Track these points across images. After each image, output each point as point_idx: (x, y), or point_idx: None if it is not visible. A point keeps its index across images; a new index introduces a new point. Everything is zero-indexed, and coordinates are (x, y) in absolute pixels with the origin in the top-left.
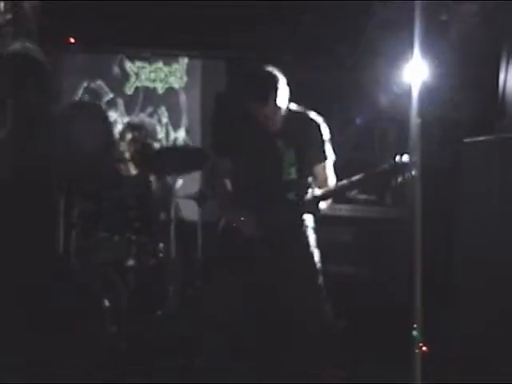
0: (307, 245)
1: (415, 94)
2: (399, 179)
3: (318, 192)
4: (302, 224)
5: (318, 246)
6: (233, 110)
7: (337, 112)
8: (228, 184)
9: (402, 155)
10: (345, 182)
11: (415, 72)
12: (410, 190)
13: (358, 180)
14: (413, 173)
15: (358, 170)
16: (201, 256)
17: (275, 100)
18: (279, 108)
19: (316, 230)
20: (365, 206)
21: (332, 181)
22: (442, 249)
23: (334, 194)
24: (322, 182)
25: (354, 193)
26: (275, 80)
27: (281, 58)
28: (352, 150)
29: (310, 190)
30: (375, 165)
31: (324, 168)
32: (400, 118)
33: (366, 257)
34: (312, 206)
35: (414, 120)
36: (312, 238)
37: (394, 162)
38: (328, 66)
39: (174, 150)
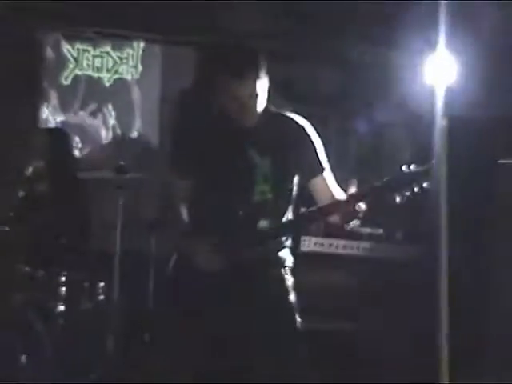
0: (284, 290)
1: (440, 93)
2: (406, 194)
3: (295, 216)
4: (276, 262)
5: (305, 293)
6: (199, 110)
7: (334, 116)
8: (186, 206)
9: (409, 165)
10: (334, 200)
11: (439, 68)
12: (428, 221)
13: (352, 196)
14: (424, 185)
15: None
16: (152, 299)
17: (254, 81)
18: (257, 95)
19: (300, 271)
20: (369, 241)
21: (340, 195)
22: (472, 296)
23: (314, 218)
24: (327, 200)
25: (354, 225)
26: (257, 57)
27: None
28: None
29: (286, 215)
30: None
31: (324, 181)
32: (416, 124)
33: (369, 308)
34: (288, 235)
35: (439, 122)
36: (290, 281)
37: (400, 172)
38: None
39: None
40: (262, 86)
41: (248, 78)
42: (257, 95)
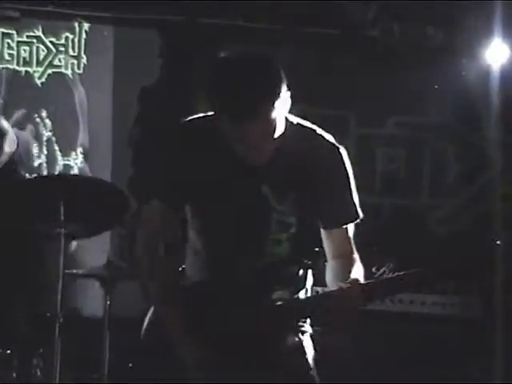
0: (301, 366)
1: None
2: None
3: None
4: (296, 339)
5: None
6: (175, 122)
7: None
8: (164, 254)
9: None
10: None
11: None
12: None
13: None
14: None
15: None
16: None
17: (264, 120)
18: (269, 132)
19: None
20: (409, 293)
21: (356, 256)
22: None
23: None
24: (346, 260)
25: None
26: (276, 75)
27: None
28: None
29: (309, 278)
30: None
31: (347, 234)
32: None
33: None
34: (316, 311)
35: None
36: (310, 352)
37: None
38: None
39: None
40: (279, 111)
41: (253, 123)
42: (269, 132)
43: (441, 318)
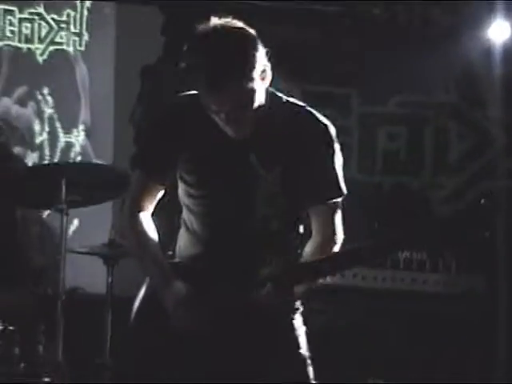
0: (293, 343)
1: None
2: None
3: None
4: (281, 306)
5: (325, 342)
6: (171, 96)
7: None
8: (157, 230)
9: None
10: (371, 242)
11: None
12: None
13: (397, 240)
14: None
15: (393, 212)
16: (110, 356)
17: (241, 86)
18: (252, 96)
19: (313, 316)
20: (411, 271)
21: (340, 235)
22: None
23: (345, 265)
24: (327, 238)
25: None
26: (251, 44)
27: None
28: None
29: (298, 252)
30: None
31: (333, 212)
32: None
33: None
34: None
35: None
36: (302, 330)
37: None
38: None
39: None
40: (257, 80)
41: (230, 88)
42: (244, 102)
43: (443, 296)
